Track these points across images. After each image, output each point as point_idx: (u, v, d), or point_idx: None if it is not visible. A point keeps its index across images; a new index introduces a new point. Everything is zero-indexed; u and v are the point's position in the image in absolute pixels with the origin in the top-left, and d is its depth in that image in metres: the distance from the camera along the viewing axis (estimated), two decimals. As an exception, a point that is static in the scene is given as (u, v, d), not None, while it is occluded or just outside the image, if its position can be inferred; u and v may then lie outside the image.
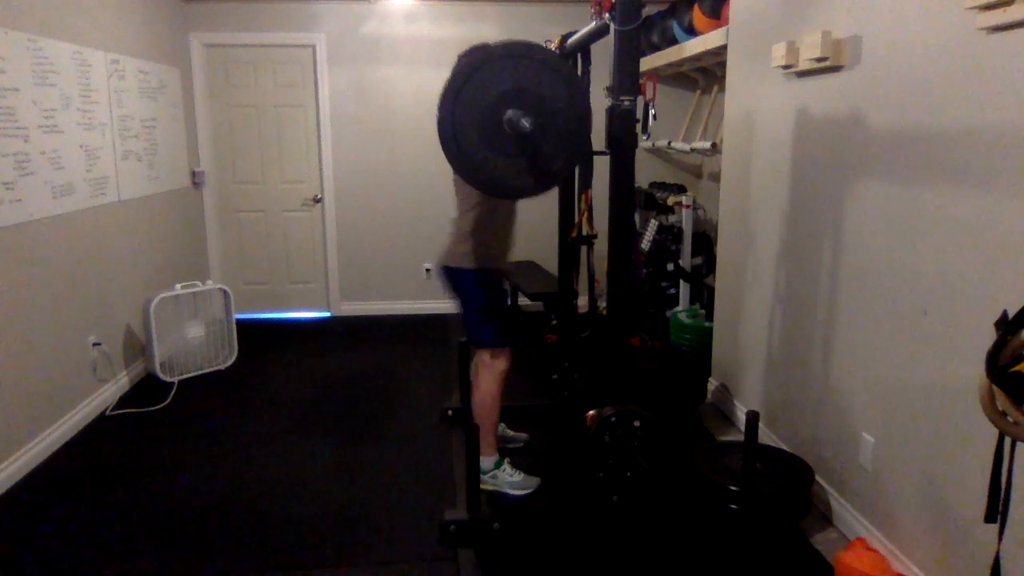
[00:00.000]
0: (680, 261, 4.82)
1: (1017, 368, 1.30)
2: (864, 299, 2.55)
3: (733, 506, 2.64)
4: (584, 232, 3.62)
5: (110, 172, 4.10)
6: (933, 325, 2.19)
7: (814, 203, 2.89)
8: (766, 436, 3.27)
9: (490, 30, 5.60)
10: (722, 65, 4.02)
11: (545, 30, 5.10)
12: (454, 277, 2.97)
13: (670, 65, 4.82)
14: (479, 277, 2.90)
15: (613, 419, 2.82)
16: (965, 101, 2.03)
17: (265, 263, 5.92)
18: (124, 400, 4.09)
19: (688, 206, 4.77)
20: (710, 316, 4.27)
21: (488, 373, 2.94)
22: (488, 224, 2.87)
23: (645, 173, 5.71)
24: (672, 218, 4.98)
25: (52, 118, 3.52)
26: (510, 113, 2.35)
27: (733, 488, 2.65)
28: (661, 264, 4.95)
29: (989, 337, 1.36)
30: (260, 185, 5.79)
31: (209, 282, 4.60)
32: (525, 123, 2.33)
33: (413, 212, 5.85)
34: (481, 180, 2.51)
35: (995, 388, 1.34)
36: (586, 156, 3.71)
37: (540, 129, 2.37)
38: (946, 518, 2.16)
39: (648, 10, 4.18)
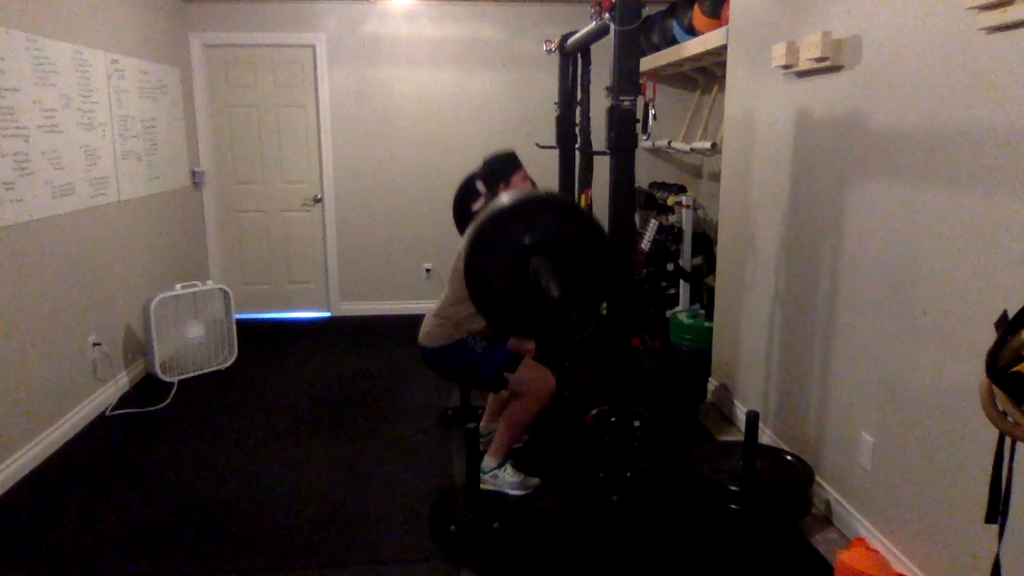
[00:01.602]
0: (680, 261, 4.82)
1: (1017, 368, 1.29)
2: (864, 299, 2.55)
3: (733, 506, 2.64)
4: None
5: (110, 172, 4.11)
6: (933, 325, 2.19)
7: (814, 203, 2.89)
8: (766, 436, 3.28)
9: (490, 30, 5.61)
10: (722, 65, 4.02)
11: (545, 30, 5.12)
12: (437, 357, 2.94)
13: (670, 65, 4.82)
14: (464, 343, 2.87)
15: (613, 419, 2.82)
16: (965, 101, 2.03)
17: (265, 263, 5.92)
18: (124, 400, 4.09)
19: (688, 206, 4.77)
20: (710, 316, 4.27)
21: (533, 396, 2.87)
22: (476, 316, 2.81)
23: (645, 173, 5.71)
24: (672, 218, 4.98)
25: (52, 118, 3.52)
26: (538, 268, 2.36)
27: (733, 488, 2.65)
28: (661, 264, 4.94)
29: (989, 337, 1.36)
30: (260, 185, 5.79)
31: (209, 282, 4.60)
32: (552, 291, 2.33)
33: (413, 212, 5.85)
34: (495, 316, 2.55)
35: (995, 388, 1.34)
36: (586, 156, 3.72)
37: (563, 286, 2.38)
38: (946, 518, 2.16)
39: (648, 10, 4.18)
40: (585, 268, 2.47)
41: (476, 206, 3.11)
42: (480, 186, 3.01)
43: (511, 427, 2.93)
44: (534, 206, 2.52)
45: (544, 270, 2.37)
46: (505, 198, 2.57)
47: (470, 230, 2.51)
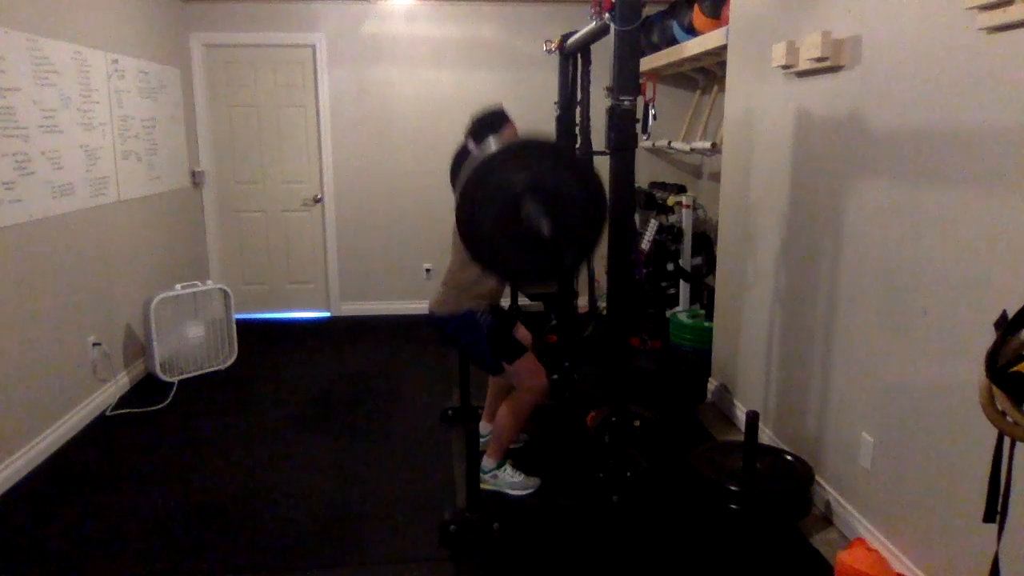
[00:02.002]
0: (680, 261, 4.82)
1: (1017, 368, 1.29)
2: (864, 299, 2.55)
3: (733, 506, 2.64)
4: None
5: (110, 172, 4.11)
6: (933, 325, 2.19)
7: (814, 203, 2.89)
8: (766, 436, 3.28)
9: (490, 30, 5.61)
10: (722, 65, 4.02)
11: (545, 30, 5.11)
12: (446, 324, 2.93)
13: (670, 65, 4.82)
14: (474, 316, 2.87)
15: (613, 419, 2.82)
16: (965, 101, 2.03)
17: (265, 263, 5.92)
18: (124, 400, 4.09)
19: (688, 206, 4.77)
20: (710, 316, 4.27)
21: (527, 393, 2.89)
22: (483, 280, 2.83)
23: (645, 173, 5.71)
24: (672, 218, 4.98)
25: (52, 118, 3.52)
26: (531, 210, 2.36)
27: (733, 488, 2.65)
28: (661, 264, 4.95)
29: (989, 337, 1.36)
30: (260, 185, 5.79)
31: (209, 282, 4.60)
32: (544, 228, 2.34)
33: (413, 212, 5.85)
34: (491, 263, 2.53)
35: (995, 388, 1.34)
36: (586, 156, 3.72)
37: (556, 226, 2.38)
38: (946, 518, 2.16)
39: (648, 10, 4.18)
40: (578, 210, 2.46)
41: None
42: (471, 144, 2.98)
43: (506, 426, 2.93)
44: (524, 150, 2.50)
45: (536, 210, 2.36)
46: (494, 145, 2.55)
47: (462, 177, 2.50)
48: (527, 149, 2.50)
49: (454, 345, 3.22)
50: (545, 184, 2.40)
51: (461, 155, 3.02)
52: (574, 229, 2.46)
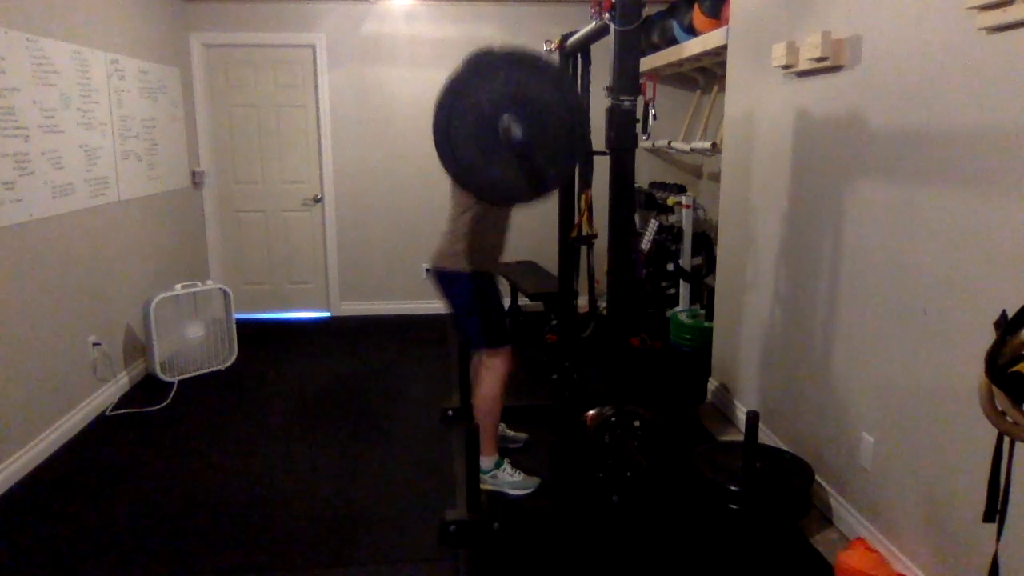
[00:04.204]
0: (680, 261, 4.82)
1: (1016, 368, 1.30)
2: (864, 299, 2.55)
3: (733, 506, 2.64)
4: (584, 232, 3.62)
5: (110, 172, 4.11)
6: (933, 325, 2.19)
7: (814, 203, 2.89)
8: (766, 436, 3.28)
9: (490, 30, 5.61)
10: (722, 65, 4.02)
11: (545, 30, 5.11)
12: (447, 280, 2.94)
13: (670, 65, 4.82)
14: (472, 279, 2.88)
15: (613, 419, 2.82)
16: (965, 101, 2.03)
17: (265, 263, 5.92)
18: (124, 400, 4.09)
19: (688, 206, 4.77)
20: (710, 316, 4.27)
21: (489, 374, 2.94)
22: (482, 228, 2.84)
23: (645, 173, 5.71)
24: (672, 218, 4.98)
25: (52, 118, 3.52)
26: (504, 120, 2.35)
27: (733, 488, 2.65)
28: (661, 264, 4.95)
29: (989, 337, 1.36)
30: (260, 185, 5.79)
31: (209, 282, 4.60)
32: (516, 131, 2.33)
33: (413, 212, 5.85)
34: (474, 184, 2.52)
35: (994, 388, 1.34)
36: (586, 156, 3.72)
37: (535, 137, 2.37)
38: (946, 518, 2.17)
39: (648, 10, 4.18)
40: (556, 121, 2.44)
41: None
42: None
43: (483, 416, 2.95)
44: (499, 61, 2.46)
45: (511, 119, 2.35)
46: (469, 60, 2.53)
47: (440, 92, 2.45)
48: (502, 60, 2.45)
49: (447, 300, 3.20)
50: (521, 94, 2.37)
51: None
52: (555, 142, 2.44)
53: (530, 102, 2.39)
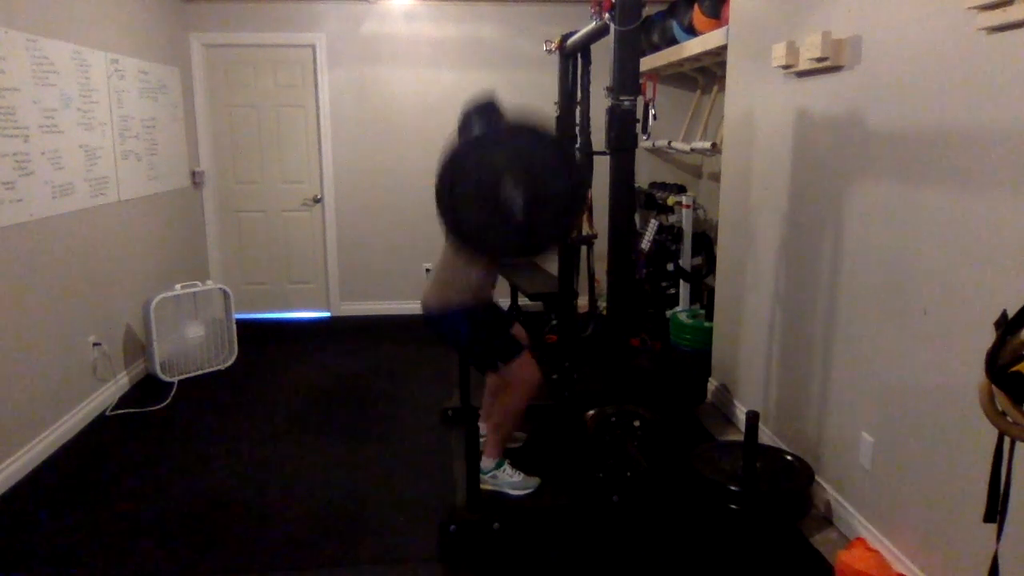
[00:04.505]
0: (680, 261, 4.82)
1: (1017, 368, 1.30)
2: (864, 299, 2.55)
3: (733, 506, 2.64)
4: (584, 232, 3.63)
5: (110, 172, 4.11)
6: (933, 325, 2.19)
7: (814, 203, 2.89)
8: (766, 436, 3.28)
9: (490, 30, 5.61)
10: (722, 65, 4.02)
11: (545, 30, 5.11)
12: (444, 320, 2.89)
13: (670, 65, 4.82)
14: (469, 313, 2.85)
15: (613, 419, 2.82)
16: (965, 101, 2.03)
17: (265, 263, 5.92)
18: (124, 400, 4.09)
19: (688, 206, 4.77)
20: (710, 316, 4.27)
21: (515, 389, 2.87)
22: (477, 267, 2.81)
23: (645, 173, 5.71)
24: (672, 218, 4.98)
25: (52, 118, 3.52)
26: (508, 190, 2.42)
27: (733, 488, 2.65)
28: (661, 264, 4.94)
29: (989, 337, 1.36)
30: (260, 185, 5.79)
31: (209, 282, 4.60)
32: (516, 210, 2.42)
33: (413, 212, 5.85)
34: (474, 243, 2.58)
35: (994, 388, 1.34)
36: (586, 156, 3.72)
37: (533, 204, 2.43)
38: (946, 518, 2.17)
39: (648, 10, 4.17)
40: (554, 194, 2.50)
41: None
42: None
43: (500, 424, 2.93)
44: (506, 131, 2.54)
45: (513, 190, 2.41)
46: (477, 125, 2.60)
47: (445, 151, 2.51)
48: (509, 130, 2.53)
49: (450, 344, 3.21)
50: (527, 163, 2.42)
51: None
52: (553, 212, 2.49)
53: (532, 171, 2.45)
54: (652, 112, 3.06)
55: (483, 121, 2.79)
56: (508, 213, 2.43)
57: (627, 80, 2.54)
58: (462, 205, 2.46)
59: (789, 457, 2.89)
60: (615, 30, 2.52)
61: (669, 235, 4.90)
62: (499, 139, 2.48)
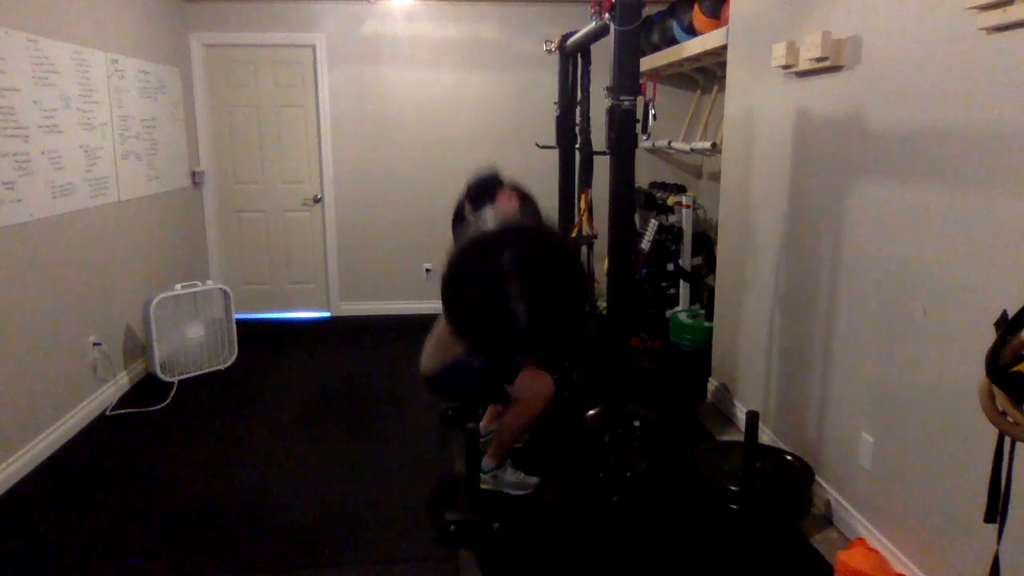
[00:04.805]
0: (680, 261, 4.82)
1: (1017, 368, 1.30)
2: (864, 299, 2.55)
3: (733, 506, 2.64)
4: (584, 232, 3.62)
5: (110, 172, 4.11)
6: (933, 325, 2.19)
7: (814, 203, 2.89)
8: (766, 436, 3.28)
9: (490, 30, 5.61)
10: (722, 65, 4.02)
11: (545, 30, 5.12)
12: (441, 381, 2.95)
13: (670, 65, 4.82)
14: (463, 363, 2.86)
15: (613, 419, 2.82)
16: (965, 101, 2.03)
17: (265, 263, 5.92)
18: (124, 400, 4.09)
19: (688, 206, 4.77)
20: (710, 316, 4.27)
21: (532, 402, 2.87)
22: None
23: (645, 173, 5.71)
24: (672, 218, 4.98)
25: (52, 118, 3.52)
26: (512, 298, 2.48)
27: (733, 488, 2.65)
28: (661, 264, 4.94)
29: (989, 337, 1.36)
30: (260, 185, 5.79)
31: (209, 282, 4.60)
32: (520, 319, 2.48)
33: (413, 212, 5.85)
34: (471, 339, 2.63)
35: (995, 388, 1.34)
36: (586, 156, 3.72)
37: (536, 309, 2.50)
38: (946, 518, 2.17)
39: (648, 10, 4.18)
40: (558, 292, 2.56)
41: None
42: (467, 208, 3.05)
43: (510, 430, 2.93)
44: (515, 232, 2.61)
45: (515, 296, 2.47)
46: (490, 214, 2.67)
47: (451, 250, 2.57)
48: (518, 231, 2.62)
49: (455, 399, 3.24)
50: (531, 267, 2.49)
51: (459, 213, 3.14)
52: (554, 316, 2.57)
53: (536, 274, 2.51)
54: (652, 112, 3.05)
55: (489, 199, 2.96)
56: (511, 319, 2.49)
57: (627, 80, 2.54)
58: (465, 306, 2.52)
59: (789, 457, 2.89)
60: (615, 30, 2.52)
61: (669, 235, 4.90)
62: (504, 240, 2.53)
